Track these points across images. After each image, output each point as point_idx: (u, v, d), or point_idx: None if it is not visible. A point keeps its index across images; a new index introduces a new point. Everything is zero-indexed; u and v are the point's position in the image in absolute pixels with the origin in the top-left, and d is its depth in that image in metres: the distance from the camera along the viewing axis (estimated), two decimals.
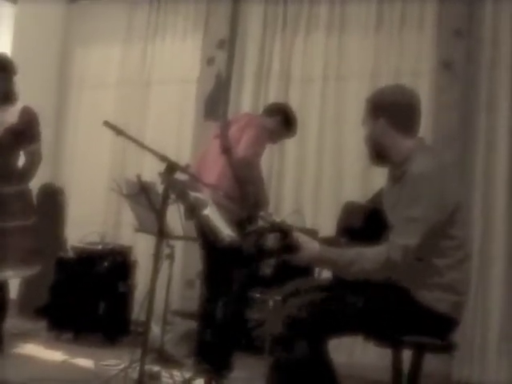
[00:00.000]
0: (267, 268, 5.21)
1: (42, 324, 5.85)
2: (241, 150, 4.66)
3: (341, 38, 6.09)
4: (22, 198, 4.95)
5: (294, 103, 5.91)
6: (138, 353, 3.94)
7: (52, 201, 6.84)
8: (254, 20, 6.48)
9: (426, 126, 3.29)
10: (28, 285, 6.21)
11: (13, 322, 5.36)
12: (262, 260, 5.13)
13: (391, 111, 3.15)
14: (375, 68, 5.93)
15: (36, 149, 5.00)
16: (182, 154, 6.41)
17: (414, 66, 5.76)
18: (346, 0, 6.04)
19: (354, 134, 5.23)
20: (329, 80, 6.12)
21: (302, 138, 5.92)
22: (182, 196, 3.89)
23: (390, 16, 5.88)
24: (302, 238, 3.07)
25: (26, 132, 4.89)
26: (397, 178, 3.14)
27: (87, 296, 5.65)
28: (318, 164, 6.07)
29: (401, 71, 5.78)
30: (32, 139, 4.95)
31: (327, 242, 3.30)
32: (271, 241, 3.10)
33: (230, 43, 6.45)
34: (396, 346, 3.20)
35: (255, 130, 4.78)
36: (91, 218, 6.80)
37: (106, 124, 3.82)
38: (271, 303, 4.43)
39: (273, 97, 6.23)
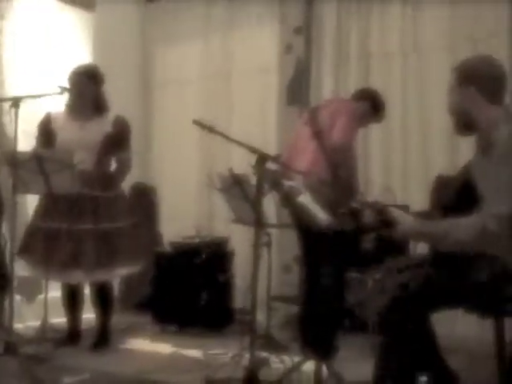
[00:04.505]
0: (368, 243, 5.25)
1: (146, 318, 5.97)
2: (336, 136, 4.72)
3: (416, 7, 6.01)
4: (120, 200, 5.15)
5: (376, 81, 5.96)
6: (246, 340, 4.00)
7: (144, 199, 7.03)
8: (327, 2, 6.48)
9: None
10: (127, 281, 6.34)
11: (117, 317, 5.47)
12: (360, 235, 5.18)
13: (482, 80, 3.11)
14: (452, 37, 5.84)
15: (126, 157, 5.21)
16: (268, 141, 6.51)
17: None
18: None
19: (438, 106, 5.19)
20: (408, 54, 6.08)
21: (387, 114, 5.89)
22: (276, 185, 3.96)
23: None
24: (397, 213, 3.11)
25: (118, 140, 5.08)
26: (485, 148, 3.08)
27: (188, 288, 5.75)
28: (403, 140, 6.05)
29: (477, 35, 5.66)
30: (123, 147, 5.15)
31: (421, 216, 3.34)
32: (367, 218, 3.16)
33: (306, 29, 6.50)
34: (499, 315, 3.23)
35: (347, 116, 4.84)
36: (184, 213, 6.97)
37: (196, 122, 3.93)
38: (370, 283, 4.46)
39: (353, 78, 6.25)
